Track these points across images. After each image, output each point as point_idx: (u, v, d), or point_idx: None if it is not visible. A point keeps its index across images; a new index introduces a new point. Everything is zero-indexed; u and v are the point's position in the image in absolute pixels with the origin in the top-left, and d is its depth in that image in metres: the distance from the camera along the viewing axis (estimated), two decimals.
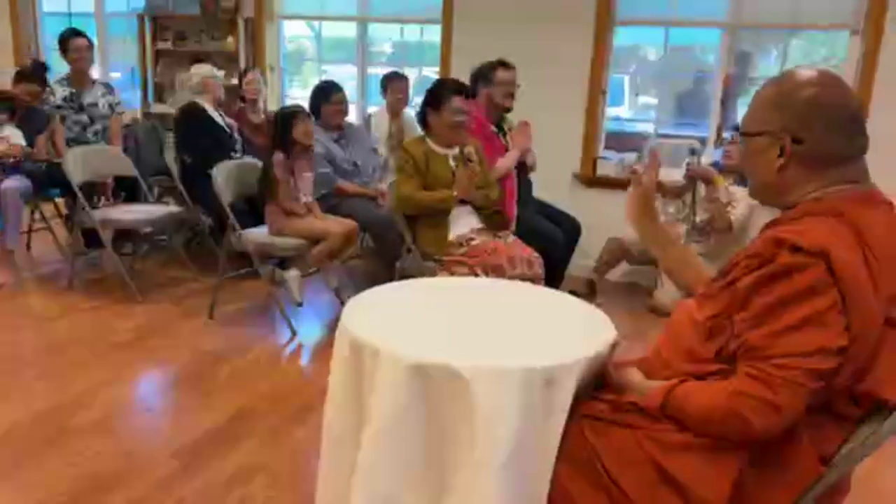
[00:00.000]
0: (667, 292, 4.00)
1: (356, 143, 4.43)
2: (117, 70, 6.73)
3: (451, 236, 3.36)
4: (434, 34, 5.18)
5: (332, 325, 2.19)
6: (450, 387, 1.42)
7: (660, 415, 1.37)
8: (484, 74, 3.86)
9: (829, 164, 1.34)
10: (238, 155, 4.55)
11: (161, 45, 5.98)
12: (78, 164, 4.11)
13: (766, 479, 1.32)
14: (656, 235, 1.75)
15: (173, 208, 4.56)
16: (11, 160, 4.33)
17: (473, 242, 3.32)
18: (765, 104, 1.38)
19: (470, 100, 3.47)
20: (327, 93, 4.30)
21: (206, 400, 2.91)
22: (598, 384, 1.55)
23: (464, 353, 1.48)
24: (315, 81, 4.80)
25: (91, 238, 4.44)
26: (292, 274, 3.83)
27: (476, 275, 3.13)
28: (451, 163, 3.40)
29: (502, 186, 3.66)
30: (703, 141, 4.63)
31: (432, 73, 5.40)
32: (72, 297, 4.07)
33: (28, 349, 3.40)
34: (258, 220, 3.86)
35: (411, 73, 5.20)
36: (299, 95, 5.88)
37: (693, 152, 4.03)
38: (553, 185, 4.54)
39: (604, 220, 4.21)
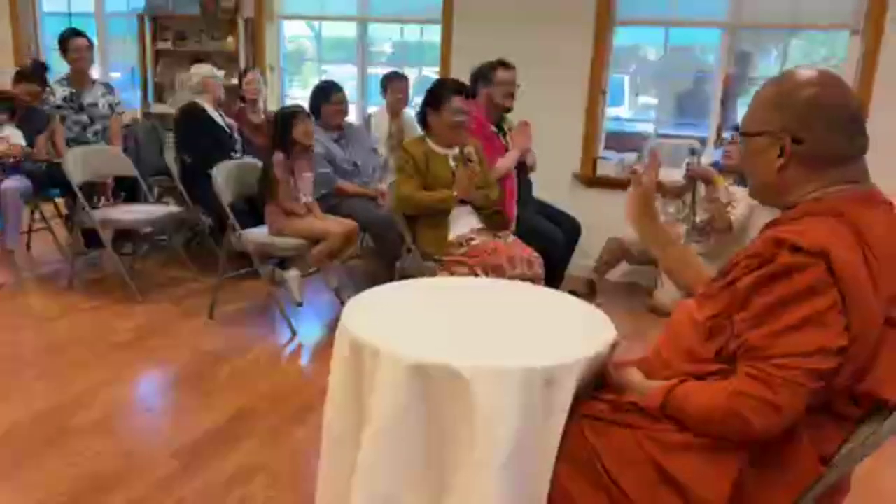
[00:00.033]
0: (667, 292, 4.00)
1: (356, 143, 4.43)
2: (117, 70, 6.73)
3: (451, 236, 3.36)
4: (434, 34, 5.18)
5: (332, 325, 2.19)
6: (450, 387, 1.42)
7: (660, 415, 1.37)
8: (484, 74, 3.86)
9: (829, 164, 1.34)
10: (238, 155, 4.55)
11: (161, 45, 5.98)
12: (78, 164, 4.11)
13: (767, 479, 1.32)
14: (656, 235, 1.75)
15: (173, 208, 4.56)
16: (11, 160, 4.33)
17: (473, 242, 3.32)
18: (764, 104, 1.38)
19: (470, 100, 3.47)
20: (327, 93, 4.30)
21: (206, 400, 2.91)
22: (598, 384, 1.55)
23: (464, 353, 1.48)
24: (315, 81, 4.80)
25: (91, 238, 4.44)
26: (292, 274, 3.83)
27: (476, 275, 3.13)
28: (451, 163, 3.40)
29: (502, 186, 3.66)
30: (703, 141, 4.63)
31: (432, 73, 5.40)
32: (72, 297, 4.07)
33: (28, 349, 3.40)
34: (258, 220, 3.86)
35: (411, 73, 5.20)
36: (299, 95, 5.88)
37: (693, 152, 4.03)
38: (553, 185, 4.54)
39: (604, 220, 4.21)
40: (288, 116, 3.74)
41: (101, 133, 4.80)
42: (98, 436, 2.59)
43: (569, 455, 1.42)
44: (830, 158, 1.34)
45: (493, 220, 3.51)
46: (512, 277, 3.05)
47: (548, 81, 4.60)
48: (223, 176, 3.77)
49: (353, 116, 5.15)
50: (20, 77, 4.66)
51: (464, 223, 3.41)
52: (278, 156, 3.67)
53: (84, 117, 4.75)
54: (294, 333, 3.69)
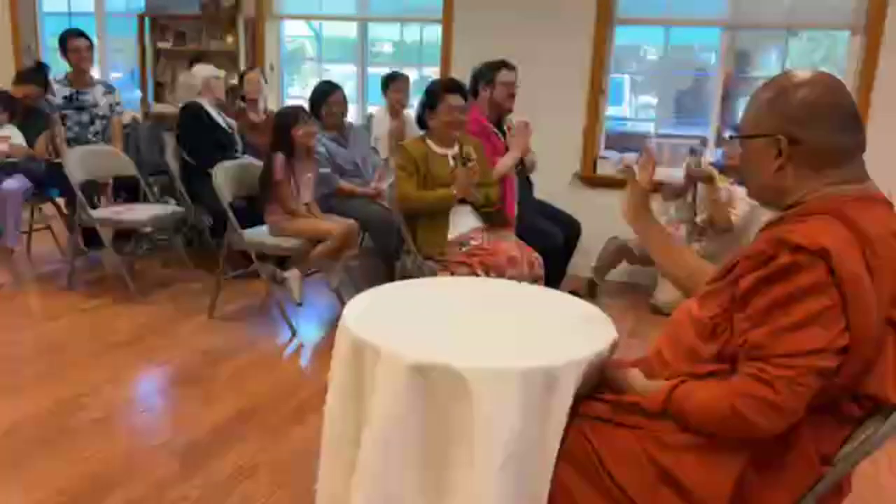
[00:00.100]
0: (667, 292, 4.00)
1: (356, 143, 4.43)
2: (117, 70, 6.73)
3: (451, 236, 3.35)
4: (434, 34, 5.18)
5: (332, 325, 2.19)
6: (450, 387, 1.42)
7: (661, 415, 1.37)
8: (485, 75, 3.86)
9: (827, 163, 1.34)
10: (238, 155, 4.55)
11: (161, 45, 5.98)
12: (78, 164, 4.11)
13: (768, 479, 1.32)
14: (653, 234, 1.74)
15: (173, 208, 4.56)
16: (11, 160, 4.33)
17: (473, 242, 3.32)
18: (760, 106, 1.38)
19: (470, 99, 3.46)
20: (327, 93, 4.30)
21: (205, 400, 2.91)
22: (598, 384, 1.55)
23: (464, 353, 1.48)
24: (315, 81, 4.80)
25: (91, 238, 4.43)
26: (292, 274, 3.83)
27: (476, 275, 3.13)
28: (451, 162, 3.40)
29: (502, 186, 3.66)
30: (703, 141, 4.63)
31: (432, 73, 5.40)
32: (71, 297, 4.07)
33: (28, 349, 3.39)
34: (258, 220, 3.86)
35: (411, 73, 5.20)
36: (299, 95, 5.88)
37: (693, 152, 4.02)
38: (553, 185, 4.54)
39: (604, 220, 4.20)
40: (288, 117, 3.75)
41: (101, 133, 4.79)
42: (98, 436, 2.59)
43: (569, 455, 1.42)
44: (828, 158, 1.34)
45: (493, 219, 3.51)
46: (512, 277, 3.05)
47: (548, 81, 4.60)
48: (223, 176, 3.77)
49: (353, 116, 5.15)
50: (20, 77, 4.66)
51: (464, 223, 3.41)
52: (279, 156, 3.67)
53: (84, 117, 4.74)
54: (294, 333, 3.69)
